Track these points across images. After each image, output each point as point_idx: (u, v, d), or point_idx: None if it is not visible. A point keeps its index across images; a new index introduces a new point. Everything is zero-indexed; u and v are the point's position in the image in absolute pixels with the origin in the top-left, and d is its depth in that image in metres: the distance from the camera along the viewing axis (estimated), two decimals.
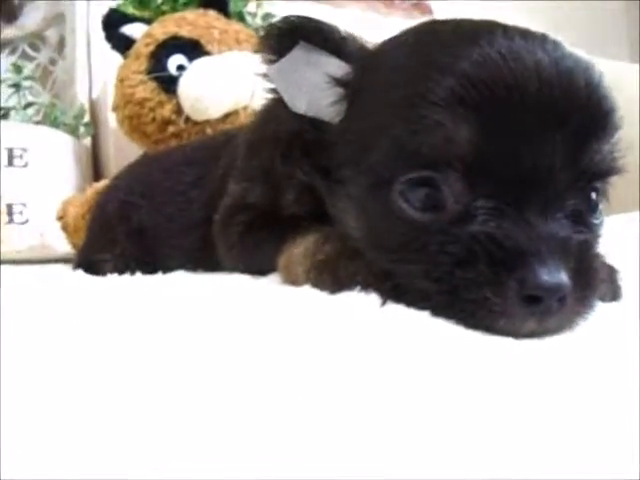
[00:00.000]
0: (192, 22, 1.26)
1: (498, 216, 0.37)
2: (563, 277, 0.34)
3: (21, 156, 1.45)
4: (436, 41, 0.43)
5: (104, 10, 1.84)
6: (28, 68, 2.07)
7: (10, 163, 1.44)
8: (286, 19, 0.46)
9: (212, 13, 1.32)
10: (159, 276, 0.65)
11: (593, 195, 0.42)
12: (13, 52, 2.20)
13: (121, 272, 0.72)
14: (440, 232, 0.38)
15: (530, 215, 0.36)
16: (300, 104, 0.46)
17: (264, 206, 0.56)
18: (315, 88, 0.45)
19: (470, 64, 0.38)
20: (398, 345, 0.32)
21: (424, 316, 0.37)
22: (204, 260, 0.68)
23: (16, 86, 1.74)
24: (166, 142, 1.24)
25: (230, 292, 0.47)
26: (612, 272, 0.46)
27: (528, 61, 0.38)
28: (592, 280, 0.38)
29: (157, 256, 0.78)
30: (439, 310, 0.37)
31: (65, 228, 1.35)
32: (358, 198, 0.44)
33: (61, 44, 2.15)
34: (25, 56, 2.20)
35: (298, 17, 0.46)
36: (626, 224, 0.69)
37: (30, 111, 1.75)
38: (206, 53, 1.21)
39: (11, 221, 1.45)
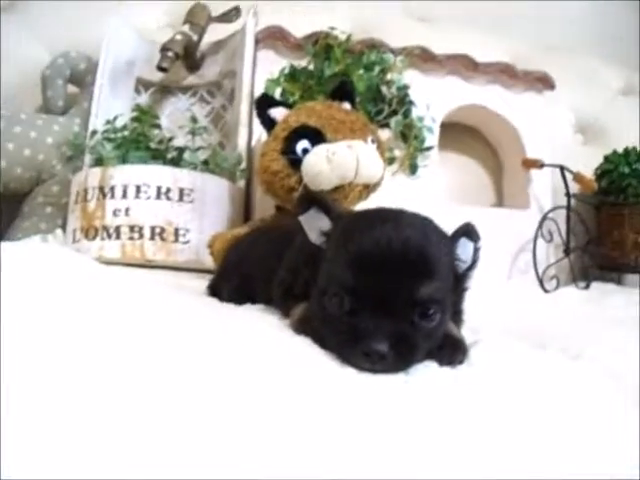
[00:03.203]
0: (318, 113, 1.59)
1: (362, 315, 0.71)
2: (383, 347, 0.67)
3: (189, 194, 1.92)
4: (350, 225, 0.79)
5: (266, 74, 2.27)
6: (202, 115, 2.55)
7: (180, 199, 1.92)
8: (308, 193, 0.89)
9: (336, 105, 1.66)
10: (245, 307, 1.04)
11: (430, 311, 0.73)
12: (194, 95, 2.67)
13: (231, 301, 1.11)
14: (339, 320, 0.73)
15: (380, 317, 0.70)
16: (312, 237, 0.84)
17: (290, 286, 0.95)
18: (318, 231, 0.83)
19: (357, 245, 0.73)
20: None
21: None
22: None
23: (192, 133, 2.23)
24: (291, 202, 1.60)
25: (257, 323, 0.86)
26: (454, 348, 0.79)
27: (385, 239, 0.71)
28: (407, 352, 0.70)
29: (254, 294, 1.12)
30: (336, 354, 0.72)
31: (211, 254, 1.80)
32: (314, 295, 0.81)
33: (232, 95, 2.55)
34: (202, 100, 2.66)
35: (313, 192, 0.91)
36: None
37: (199, 152, 2.22)
38: (326, 140, 1.55)
39: (176, 240, 1.92)
